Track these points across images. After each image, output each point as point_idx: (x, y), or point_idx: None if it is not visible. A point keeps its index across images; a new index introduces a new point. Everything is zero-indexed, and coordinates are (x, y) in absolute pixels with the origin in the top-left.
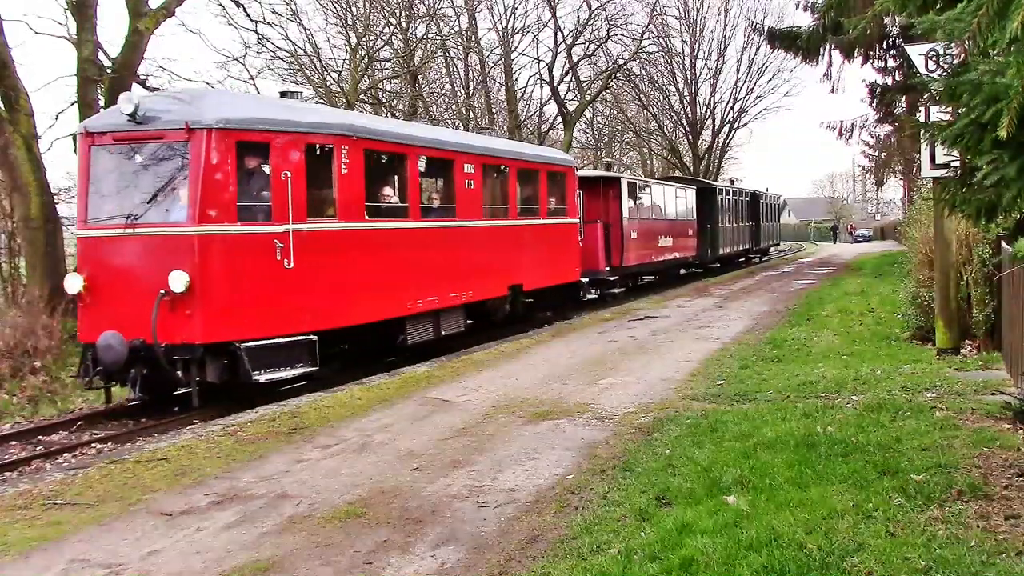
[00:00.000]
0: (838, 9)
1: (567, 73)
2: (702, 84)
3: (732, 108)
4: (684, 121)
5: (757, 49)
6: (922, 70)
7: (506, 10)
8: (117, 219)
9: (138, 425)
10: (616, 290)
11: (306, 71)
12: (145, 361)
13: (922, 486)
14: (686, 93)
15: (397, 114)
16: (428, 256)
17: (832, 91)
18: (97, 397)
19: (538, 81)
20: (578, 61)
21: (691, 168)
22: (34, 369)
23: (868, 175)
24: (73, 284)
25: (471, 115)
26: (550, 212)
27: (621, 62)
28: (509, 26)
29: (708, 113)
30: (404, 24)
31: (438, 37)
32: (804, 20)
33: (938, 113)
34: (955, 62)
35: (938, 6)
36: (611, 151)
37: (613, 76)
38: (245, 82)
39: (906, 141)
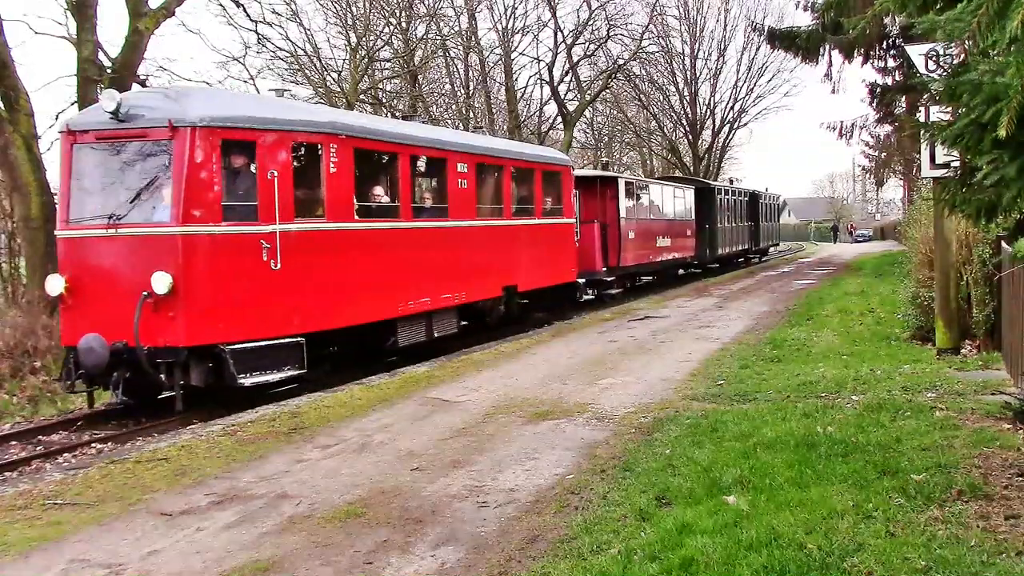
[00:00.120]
0: (838, 9)
1: (567, 73)
2: (702, 84)
3: (732, 108)
4: (684, 121)
5: (757, 49)
6: (922, 70)
7: (506, 10)
8: (99, 219)
9: (138, 425)
10: (613, 291)
11: (306, 71)
12: (128, 364)
13: (922, 486)
14: (686, 93)
15: (397, 114)
16: (420, 257)
17: (832, 91)
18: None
19: (538, 81)
20: (578, 61)
21: (691, 168)
22: (34, 369)
23: (868, 175)
24: (54, 285)
25: (471, 115)
26: (545, 212)
27: (621, 62)
28: (509, 26)
29: (708, 113)
30: (404, 24)
31: (438, 37)
32: (804, 20)
33: (938, 113)
34: (955, 62)
35: (938, 6)
36: (611, 151)
37: (613, 76)
38: (245, 82)
39: (906, 141)
